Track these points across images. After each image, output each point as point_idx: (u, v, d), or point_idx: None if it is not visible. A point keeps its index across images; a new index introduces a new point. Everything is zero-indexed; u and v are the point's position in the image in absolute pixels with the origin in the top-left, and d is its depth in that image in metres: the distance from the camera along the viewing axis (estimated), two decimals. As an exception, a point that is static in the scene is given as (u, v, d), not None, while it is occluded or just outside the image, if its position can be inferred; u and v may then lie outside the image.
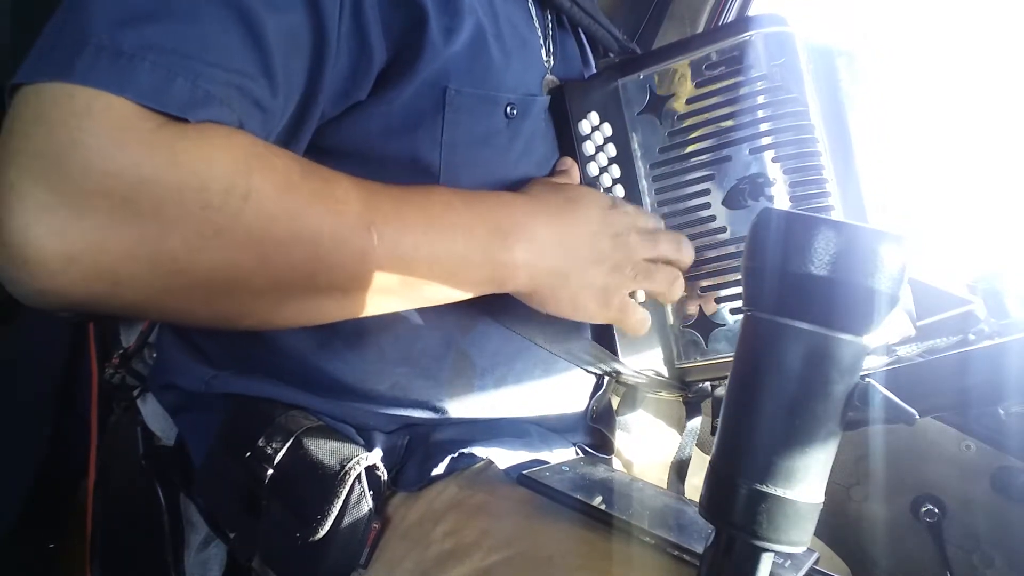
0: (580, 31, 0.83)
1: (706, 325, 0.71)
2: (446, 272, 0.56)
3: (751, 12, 1.30)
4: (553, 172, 0.73)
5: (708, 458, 0.38)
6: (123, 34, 0.42)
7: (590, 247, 0.64)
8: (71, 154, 0.40)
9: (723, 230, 0.69)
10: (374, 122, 0.60)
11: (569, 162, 0.73)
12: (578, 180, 0.72)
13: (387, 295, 0.54)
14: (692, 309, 0.71)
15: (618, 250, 0.66)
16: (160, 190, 0.42)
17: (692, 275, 0.71)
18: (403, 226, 0.53)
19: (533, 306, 0.64)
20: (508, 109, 0.65)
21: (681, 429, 0.80)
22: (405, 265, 0.53)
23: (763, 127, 0.67)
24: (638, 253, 0.67)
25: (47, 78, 0.41)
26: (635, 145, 0.73)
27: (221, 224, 0.44)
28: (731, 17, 1.29)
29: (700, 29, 1.31)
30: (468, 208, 0.58)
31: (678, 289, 0.69)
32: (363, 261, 0.51)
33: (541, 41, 0.73)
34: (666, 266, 0.69)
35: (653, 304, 0.71)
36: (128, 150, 0.41)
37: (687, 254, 0.70)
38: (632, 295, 0.68)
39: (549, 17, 0.76)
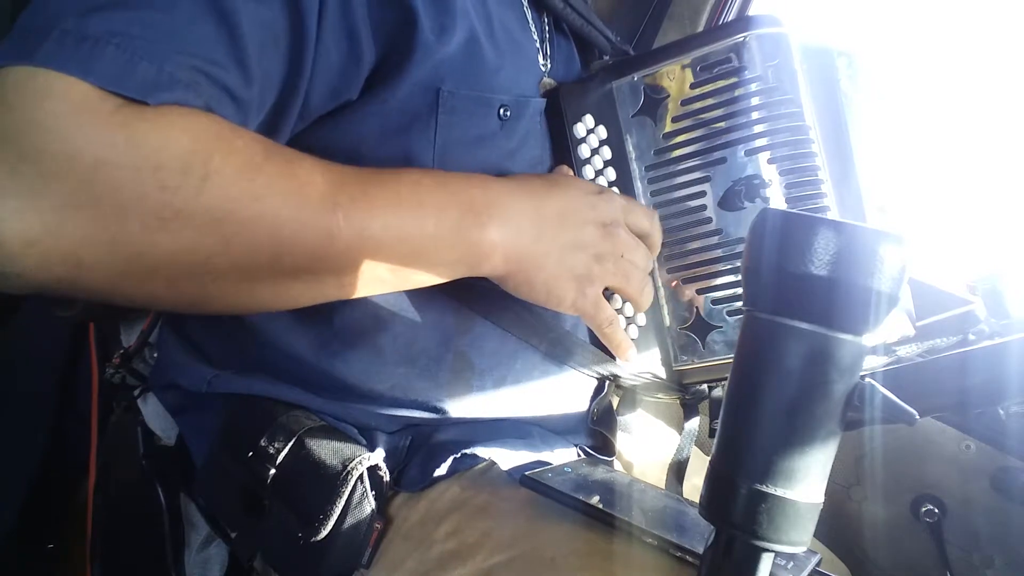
0: (576, 34, 0.83)
1: (702, 327, 0.71)
2: (417, 252, 0.55)
3: (751, 12, 1.30)
4: None
5: (707, 459, 0.38)
6: (90, 20, 0.42)
7: (573, 231, 0.62)
8: (29, 135, 0.40)
9: (719, 232, 0.69)
10: (369, 123, 0.60)
11: (565, 169, 0.72)
12: None
13: (358, 278, 0.53)
14: (688, 311, 0.72)
15: (605, 241, 0.64)
16: (116, 171, 0.41)
17: (688, 277, 0.71)
18: (371, 206, 0.52)
19: (508, 291, 0.62)
20: (501, 111, 0.65)
21: (681, 430, 0.80)
22: (375, 246, 0.52)
23: (758, 128, 0.67)
24: (621, 249, 0.65)
25: (10, 62, 0.41)
26: (630, 147, 0.73)
27: (179, 206, 0.43)
28: (731, 17, 1.29)
29: (700, 29, 1.31)
30: (440, 187, 0.57)
31: (648, 298, 0.69)
32: (330, 243, 0.50)
33: (538, 44, 0.73)
34: (643, 272, 0.68)
35: (652, 307, 0.72)
36: (85, 131, 0.40)
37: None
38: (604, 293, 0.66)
39: (545, 20, 0.76)
